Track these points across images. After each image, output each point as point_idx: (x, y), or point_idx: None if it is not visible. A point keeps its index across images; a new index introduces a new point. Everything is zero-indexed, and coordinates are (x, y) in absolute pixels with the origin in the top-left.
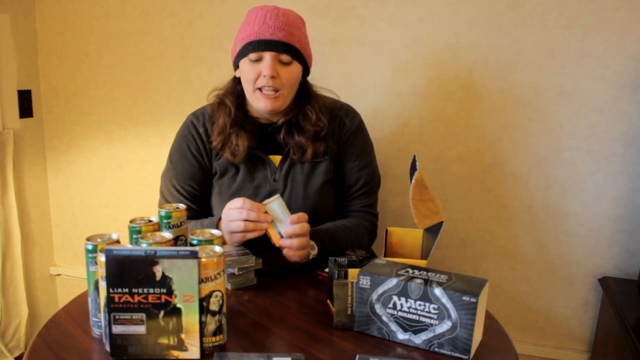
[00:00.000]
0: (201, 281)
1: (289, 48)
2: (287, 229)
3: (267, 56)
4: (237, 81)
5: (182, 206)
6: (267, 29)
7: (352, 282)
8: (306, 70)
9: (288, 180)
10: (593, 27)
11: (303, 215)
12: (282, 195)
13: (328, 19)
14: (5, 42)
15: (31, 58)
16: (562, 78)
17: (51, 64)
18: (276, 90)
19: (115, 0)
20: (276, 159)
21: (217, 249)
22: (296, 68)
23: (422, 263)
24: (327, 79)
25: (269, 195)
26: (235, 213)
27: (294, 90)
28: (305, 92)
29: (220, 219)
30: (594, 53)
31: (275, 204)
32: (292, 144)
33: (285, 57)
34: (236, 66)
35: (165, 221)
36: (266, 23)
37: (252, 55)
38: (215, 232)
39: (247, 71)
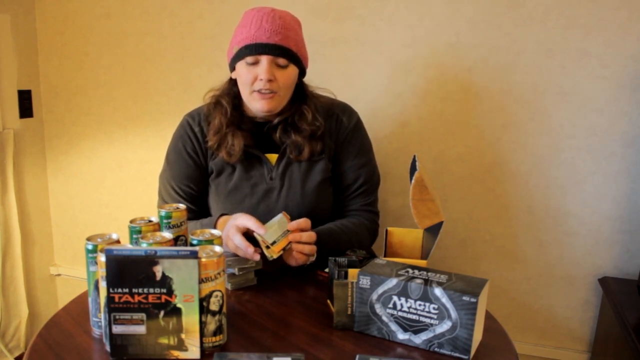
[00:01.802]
0: (201, 281)
1: (286, 51)
2: (294, 236)
3: (264, 60)
4: (233, 82)
5: (182, 206)
6: (263, 32)
7: (352, 282)
8: (302, 72)
9: (285, 178)
10: (593, 27)
11: (306, 224)
12: (279, 194)
13: (328, 19)
14: (5, 42)
15: (31, 58)
16: (562, 78)
17: (51, 64)
18: (273, 92)
19: (115, 0)
20: (273, 157)
21: (217, 249)
22: (293, 71)
23: (422, 263)
24: (326, 79)
25: (266, 193)
26: (233, 246)
27: (290, 91)
28: (301, 93)
29: (218, 218)
30: (594, 53)
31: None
32: (288, 142)
33: (282, 61)
34: (232, 68)
35: (165, 221)
36: (263, 26)
37: (249, 59)
38: (215, 232)
39: (244, 74)
